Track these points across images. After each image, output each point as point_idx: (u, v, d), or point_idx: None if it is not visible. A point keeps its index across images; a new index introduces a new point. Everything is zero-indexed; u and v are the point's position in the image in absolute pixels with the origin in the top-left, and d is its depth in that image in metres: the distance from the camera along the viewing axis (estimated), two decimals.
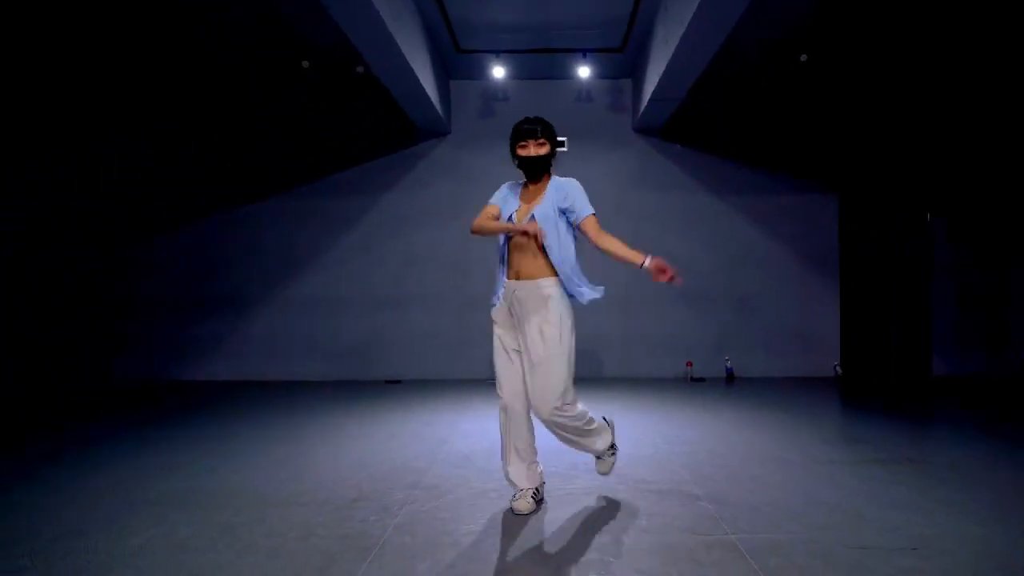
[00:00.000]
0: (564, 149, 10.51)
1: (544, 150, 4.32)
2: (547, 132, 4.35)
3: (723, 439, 6.43)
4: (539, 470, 4.48)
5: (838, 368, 10.20)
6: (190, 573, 3.42)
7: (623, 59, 10.12)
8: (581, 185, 4.36)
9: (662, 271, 4.05)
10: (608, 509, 4.38)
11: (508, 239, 4.34)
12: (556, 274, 4.21)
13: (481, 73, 10.44)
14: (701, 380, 10.35)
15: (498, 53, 9.71)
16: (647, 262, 4.07)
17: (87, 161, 9.95)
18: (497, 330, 4.35)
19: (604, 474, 4.68)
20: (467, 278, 10.69)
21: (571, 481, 4.98)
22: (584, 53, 9.66)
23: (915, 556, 3.50)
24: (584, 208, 4.25)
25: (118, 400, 9.21)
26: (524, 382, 4.22)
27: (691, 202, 10.81)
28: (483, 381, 10.11)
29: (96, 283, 11.03)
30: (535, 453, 4.46)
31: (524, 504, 4.29)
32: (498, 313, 4.35)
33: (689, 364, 10.55)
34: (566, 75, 10.49)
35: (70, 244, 10.74)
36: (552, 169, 4.43)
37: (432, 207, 10.82)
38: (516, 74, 10.23)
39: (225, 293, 10.99)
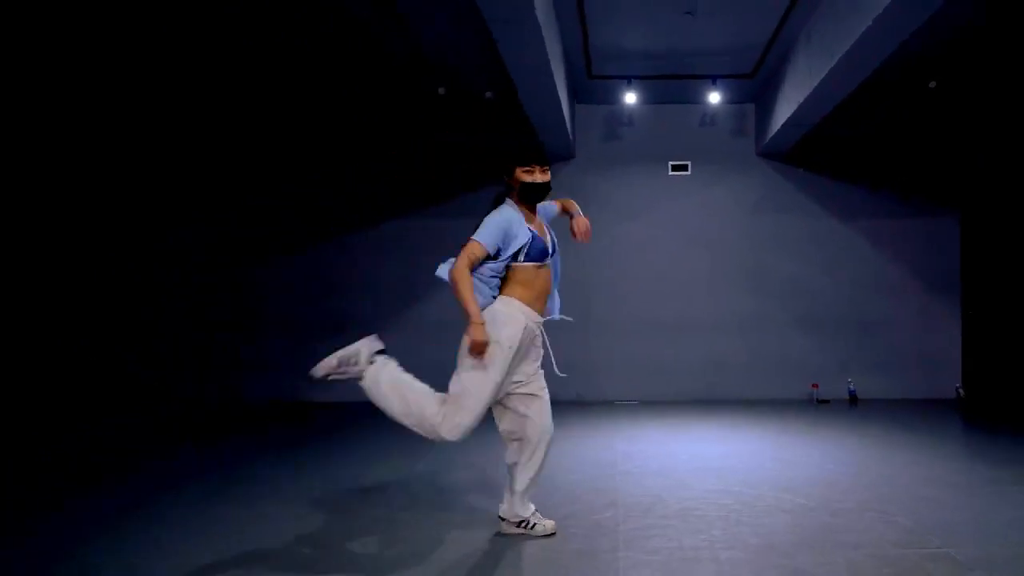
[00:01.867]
0: (688, 172, 10.74)
1: (547, 177, 4.34)
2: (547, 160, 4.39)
3: (883, 461, 6.58)
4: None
5: (960, 390, 10.26)
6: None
7: (750, 85, 10.31)
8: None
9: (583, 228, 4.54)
10: (810, 525, 4.59)
11: (545, 257, 4.27)
12: None
13: (607, 98, 10.68)
14: (826, 403, 10.46)
15: (629, 80, 9.95)
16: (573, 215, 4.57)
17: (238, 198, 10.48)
18: (505, 363, 4.07)
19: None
20: (590, 302, 10.78)
21: (758, 498, 5.21)
22: (714, 79, 9.86)
23: None
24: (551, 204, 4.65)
25: (269, 417, 9.68)
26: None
27: (813, 226, 10.93)
28: (611, 403, 10.36)
29: (223, 303, 11.42)
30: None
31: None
32: (513, 345, 4.08)
33: (815, 386, 10.63)
34: (691, 100, 10.70)
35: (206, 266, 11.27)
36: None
37: (556, 230, 10.95)
38: (643, 100, 10.44)
39: (347, 315, 11.03)
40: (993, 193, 10.04)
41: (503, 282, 4.20)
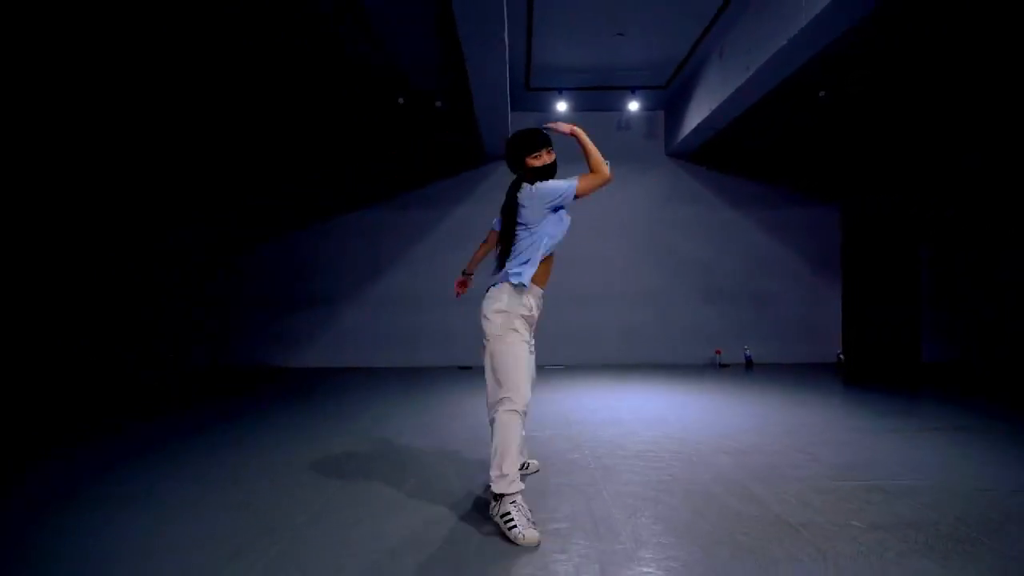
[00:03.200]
0: None
1: (553, 157, 4.11)
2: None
3: (787, 413, 6.94)
4: None
5: (840, 355, 10.68)
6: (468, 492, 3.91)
7: (662, 95, 10.65)
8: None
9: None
10: (752, 464, 4.89)
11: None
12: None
13: (540, 106, 10.96)
14: (725, 366, 10.89)
15: (561, 91, 10.21)
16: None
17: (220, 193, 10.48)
18: (525, 335, 3.89)
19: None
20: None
21: (700, 444, 5.52)
22: (633, 90, 10.20)
23: None
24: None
25: (242, 381, 9.62)
26: None
27: (715, 215, 11.41)
28: (541, 368, 10.64)
29: (207, 283, 11.64)
30: None
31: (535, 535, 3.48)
32: (526, 318, 3.91)
33: (718, 351, 11.12)
34: (611, 107, 11.03)
35: (189, 249, 11.31)
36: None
37: (495, 219, 11.18)
38: (571, 108, 10.70)
39: (320, 292, 11.51)
40: (869, 186, 10.48)
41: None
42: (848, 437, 5.74)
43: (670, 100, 10.92)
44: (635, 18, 7.98)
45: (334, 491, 4.30)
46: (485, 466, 4.23)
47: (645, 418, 6.64)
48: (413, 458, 5.17)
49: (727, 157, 11.36)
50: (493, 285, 3.97)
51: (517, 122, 11.19)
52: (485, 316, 3.89)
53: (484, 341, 3.88)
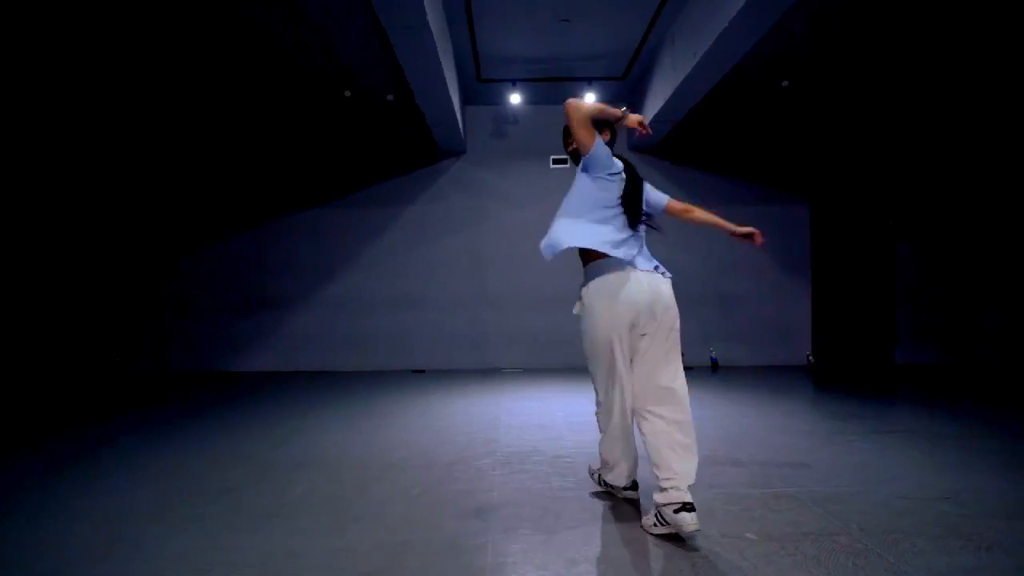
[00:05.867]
0: (567, 166, 10.81)
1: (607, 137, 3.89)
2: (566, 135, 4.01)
3: (735, 416, 6.75)
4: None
5: (810, 357, 10.51)
6: (352, 521, 3.66)
7: (621, 86, 10.43)
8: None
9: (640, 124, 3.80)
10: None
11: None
12: None
13: (495, 99, 10.73)
14: (690, 369, 10.64)
15: (514, 82, 10.00)
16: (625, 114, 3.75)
17: (151, 186, 10.25)
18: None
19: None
20: (484, 281, 11.06)
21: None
22: (589, 81, 9.96)
23: (951, 503, 3.83)
24: None
25: (182, 388, 9.35)
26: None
27: None
28: (500, 371, 10.47)
29: (153, 284, 11.37)
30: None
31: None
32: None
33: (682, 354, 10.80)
34: None
35: (132, 250, 11.11)
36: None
37: (450, 218, 11.12)
38: (527, 100, 10.52)
39: (268, 294, 11.27)
40: (839, 184, 10.30)
41: None
42: (787, 441, 5.52)
43: (631, 92, 10.68)
44: (580, 5, 7.79)
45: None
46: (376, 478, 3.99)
47: (581, 421, 6.43)
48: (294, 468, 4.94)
49: (692, 151, 11.15)
50: (663, 274, 3.87)
51: (472, 115, 11.10)
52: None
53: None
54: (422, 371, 10.79)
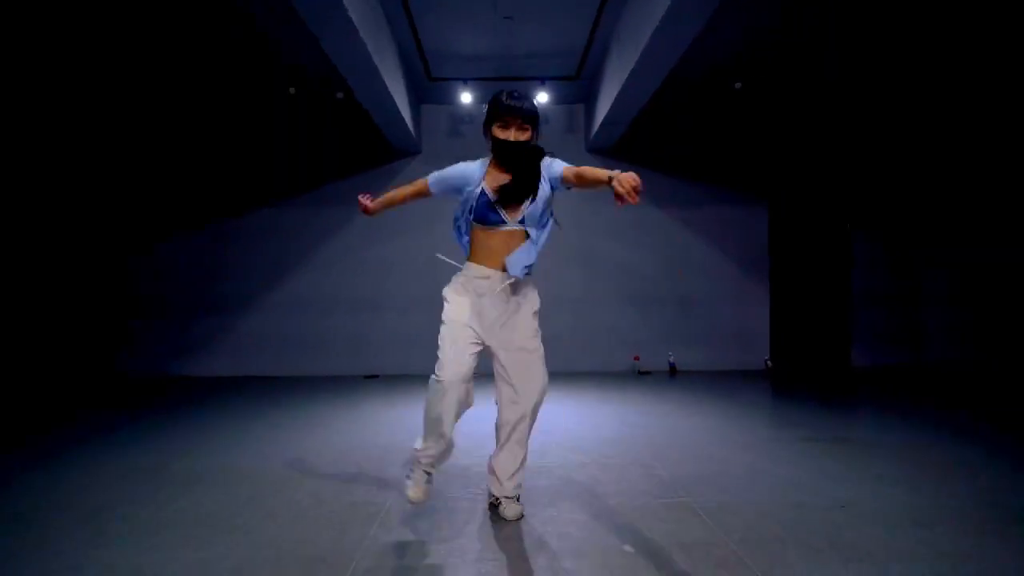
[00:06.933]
0: None
1: (525, 136, 3.63)
2: (532, 117, 3.65)
3: (672, 423, 6.71)
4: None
5: (768, 362, 10.50)
6: (223, 535, 3.61)
7: (577, 86, 10.41)
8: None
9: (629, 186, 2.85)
10: (578, 479, 4.63)
11: (489, 224, 3.65)
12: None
13: (449, 98, 10.65)
14: (647, 373, 10.63)
15: (466, 81, 9.93)
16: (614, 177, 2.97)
17: (97, 180, 10.18)
18: (465, 317, 3.73)
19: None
20: (437, 282, 10.78)
21: (544, 457, 5.23)
22: (542, 80, 9.89)
23: (842, 512, 3.81)
24: (559, 166, 3.61)
25: (124, 392, 9.29)
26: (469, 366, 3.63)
27: (638, 214, 11.07)
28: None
29: (101, 285, 11.24)
30: None
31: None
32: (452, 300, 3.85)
33: (636, 358, 10.83)
34: None
35: (80, 250, 11.02)
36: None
37: (405, 219, 10.96)
38: (482, 99, 10.47)
39: (220, 297, 11.17)
40: (797, 184, 10.30)
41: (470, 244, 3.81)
42: (707, 450, 5.48)
43: (587, 92, 10.67)
44: (522, 2, 7.76)
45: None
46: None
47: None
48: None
49: (649, 152, 11.10)
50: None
51: (427, 114, 11.08)
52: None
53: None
54: (375, 376, 10.72)
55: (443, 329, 3.72)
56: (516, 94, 3.64)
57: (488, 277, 3.68)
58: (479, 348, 3.73)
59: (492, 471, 3.92)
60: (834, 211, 9.72)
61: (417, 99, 10.82)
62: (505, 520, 3.81)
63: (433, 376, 3.57)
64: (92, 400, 8.75)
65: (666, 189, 11.18)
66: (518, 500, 3.93)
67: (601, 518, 3.81)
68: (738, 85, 9.36)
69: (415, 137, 10.58)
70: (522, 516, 3.85)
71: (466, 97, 10.15)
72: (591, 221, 11.06)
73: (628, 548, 3.35)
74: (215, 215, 11.27)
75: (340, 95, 9.53)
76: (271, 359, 11.10)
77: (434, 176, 3.85)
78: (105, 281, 11.26)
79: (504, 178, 3.64)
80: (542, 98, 10.11)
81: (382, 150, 11.01)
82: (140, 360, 11.18)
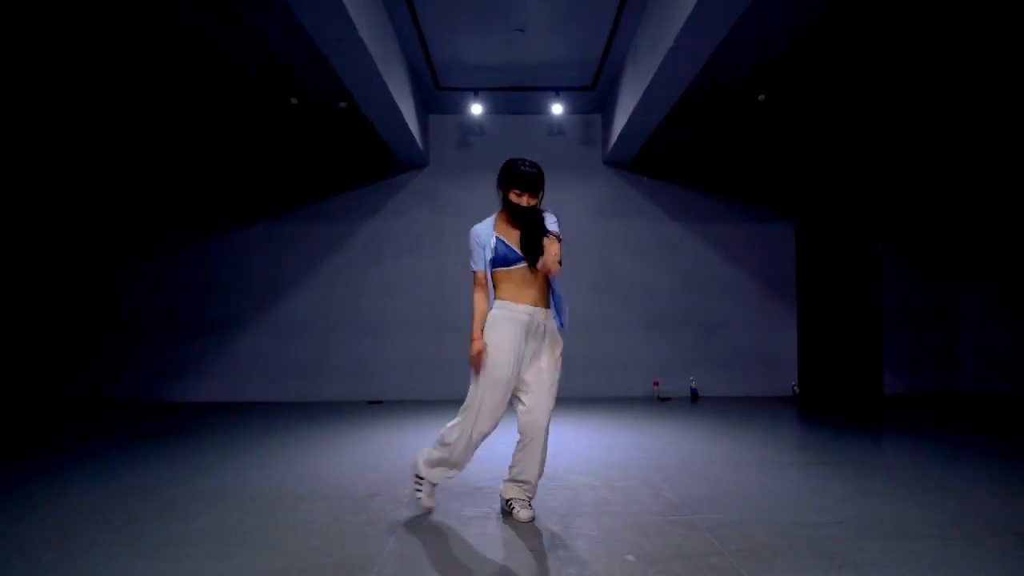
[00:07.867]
0: None
1: (534, 202, 4.48)
2: (543, 188, 4.53)
3: (686, 448, 7.28)
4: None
5: (796, 387, 10.94)
6: (247, 548, 4.19)
7: (594, 96, 11.01)
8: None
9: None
10: (587, 500, 5.22)
11: (510, 263, 4.46)
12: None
13: (458, 108, 11.27)
14: (667, 399, 11.13)
15: (476, 91, 10.57)
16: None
17: (86, 191, 10.73)
18: (503, 360, 4.43)
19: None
20: (445, 303, 11.45)
21: (554, 480, 5.82)
22: (556, 91, 10.54)
23: (839, 528, 4.39)
24: (553, 227, 4.49)
25: (116, 418, 9.80)
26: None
27: (657, 231, 11.65)
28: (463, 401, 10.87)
29: (85, 302, 11.68)
30: None
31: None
32: (501, 343, 4.45)
33: (656, 383, 11.37)
34: (539, 111, 11.35)
35: (65, 264, 11.55)
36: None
37: (410, 234, 11.56)
38: (492, 110, 11.05)
39: (214, 315, 11.62)
40: (826, 203, 10.74)
41: (495, 287, 4.56)
42: (718, 473, 6.04)
43: (604, 103, 11.27)
44: (535, 16, 8.41)
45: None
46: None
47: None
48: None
49: (670, 166, 11.64)
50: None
51: (435, 124, 11.54)
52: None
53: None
54: (379, 402, 11.20)
55: (487, 375, 4.51)
56: (529, 163, 4.53)
57: (531, 315, 4.52)
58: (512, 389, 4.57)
59: (509, 477, 4.79)
60: (864, 228, 10.11)
61: (425, 109, 11.38)
62: (517, 522, 4.60)
63: (467, 418, 4.60)
64: (88, 425, 9.26)
65: (688, 205, 11.70)
66: (530, 505, 4.73)
67: (606, 532, 4.37)
68: (762, 97, 9.87)
69: (421, 148, 11.06)
70: (533, 519, 4.65)
71: (476, 108, 10.74)
72: (605, 237, 11.62)
73: (630, 558, 3.92)
74: (207, 228, 11.74)
75: (343, 105, 10.08)
76: (265, 384, 11.56)
77: (474, 261, 4.64)
78: (89, 298, 11.70)
79: (514, 232, 4.51)
80: (556, 109, 10.69)
81: (386, 162, 11.53)
82: (125, 384, 11.61)
